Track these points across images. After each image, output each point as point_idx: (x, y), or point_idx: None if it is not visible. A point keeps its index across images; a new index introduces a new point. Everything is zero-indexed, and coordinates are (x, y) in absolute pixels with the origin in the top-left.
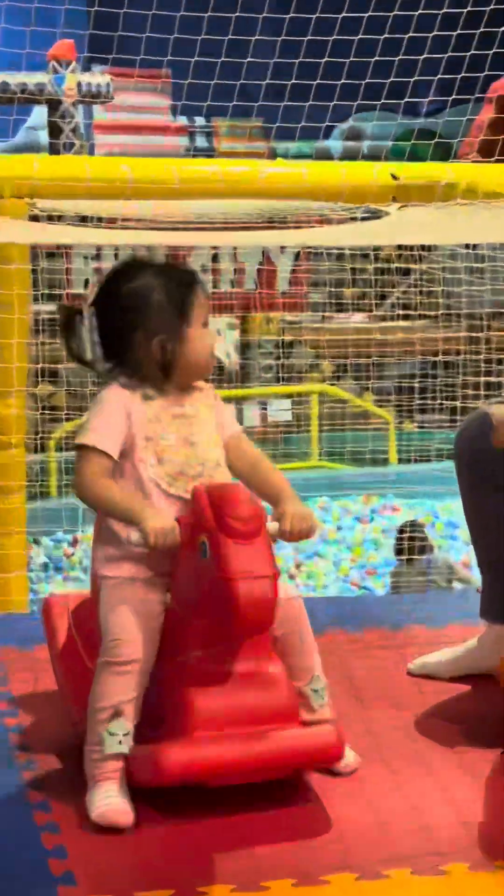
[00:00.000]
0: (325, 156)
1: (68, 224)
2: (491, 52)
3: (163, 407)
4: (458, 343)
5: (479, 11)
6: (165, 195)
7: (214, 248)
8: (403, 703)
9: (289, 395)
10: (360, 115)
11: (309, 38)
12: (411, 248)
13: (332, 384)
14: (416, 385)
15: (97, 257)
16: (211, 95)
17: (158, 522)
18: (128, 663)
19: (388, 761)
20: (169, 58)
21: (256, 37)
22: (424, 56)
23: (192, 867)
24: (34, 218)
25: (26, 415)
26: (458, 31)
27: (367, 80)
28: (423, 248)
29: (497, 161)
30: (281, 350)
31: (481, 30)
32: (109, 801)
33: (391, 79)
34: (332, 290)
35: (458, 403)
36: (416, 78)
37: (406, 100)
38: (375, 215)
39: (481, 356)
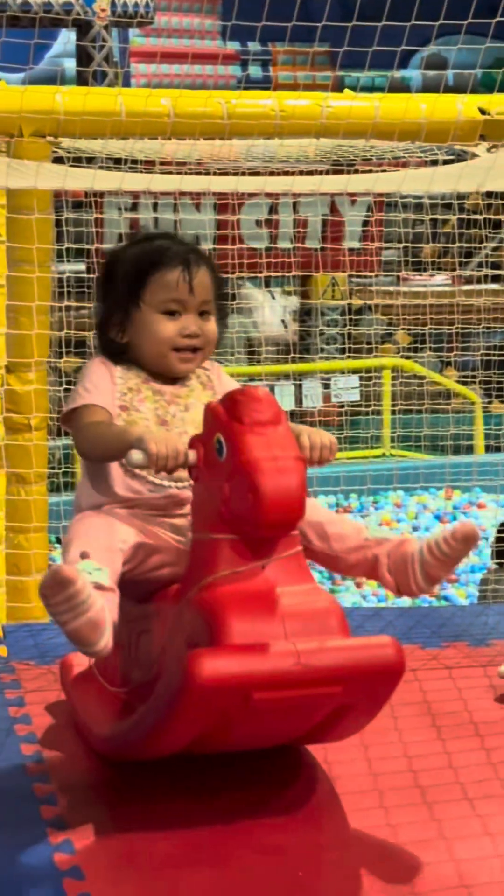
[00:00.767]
0: (402, 88)
1: (98, 167)
2: None
3: (144, 380)
4: None
5: None
6: (213, 133)
7: (271, 196)
8: (490, 733)
9: (356, 371)
10: (443, 39)
11: None
12: (503, 196)
13: (408, 358)
14: None
15: (133, 207)
16: (266, 15)
17: (160, 436)
18: (91, 517)
19: (471, 801)
20: None
21: None
22: None
23: None
24: (58, 160)
25: (48, 392)
26: None
27: None
28: None
29: None
30: (348, 318)
31: None
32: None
33: None
34: (409, 246)
35: None
36: None
37: (498, 19)
38: (460, 157)
39: None
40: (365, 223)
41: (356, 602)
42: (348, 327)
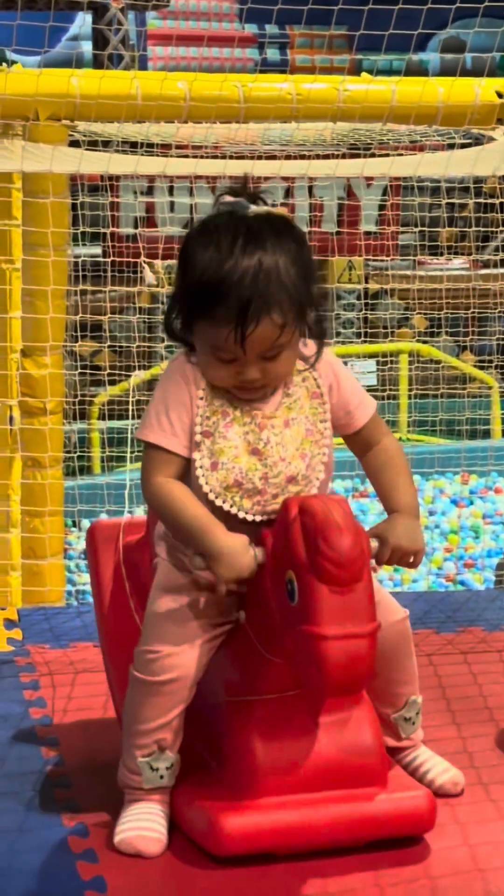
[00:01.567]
0: (419, 71)
1: (114, 151)
2: None
3: (231, 398)
4: None
5: None
6: (229, 117)
7: (287, 180)
8: None
9: (373, 355)
10: (461, 21)
11: None
12: None
13: (425, 342)
14: None
15: (149, 191)
16: None
17: (233, 555)
18: (172, 682)
19: (485, 786)
20: None
21: None
22: None
23: None
24: (74, 143)
25: (64, 376)
26: None
27: None
28: None
29: None
30: (364, 302)
31: None
32: (140, 825)
33: None
34: (426, 230)
35: None
36: None
37: None
38: (478, 141)
39: None
40: (381, 207)
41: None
42: (364, 311)
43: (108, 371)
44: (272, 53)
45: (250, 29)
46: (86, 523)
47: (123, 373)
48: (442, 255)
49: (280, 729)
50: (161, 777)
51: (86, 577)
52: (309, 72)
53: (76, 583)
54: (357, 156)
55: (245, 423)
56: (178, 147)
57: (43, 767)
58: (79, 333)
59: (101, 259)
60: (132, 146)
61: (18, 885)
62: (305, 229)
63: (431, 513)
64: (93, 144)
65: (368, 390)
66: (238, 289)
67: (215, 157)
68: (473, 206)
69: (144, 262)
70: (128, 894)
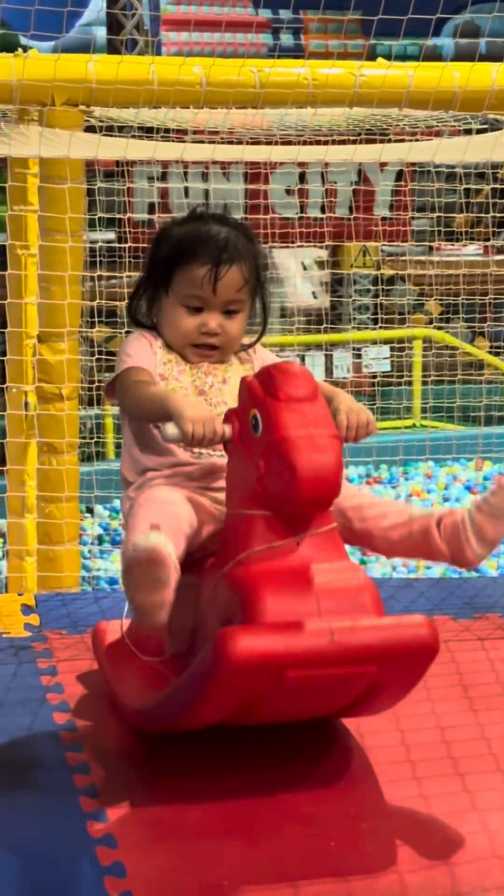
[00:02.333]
0: (434, 56)
1: (130, 136)
2: None
3: (177, 354)
4: None
5: None
6: (245, 102)
7: (301, 165)
8: None
9: (388, 341)
10: (477, 6)
11: None
12: None
13: (440, 328)
14: None
15: (163, 177)
16: None
17: (196, 412)
18: (159, 500)
19: None
20: None
21: None
22: None
23: (269, 890)
24: (90, 129)
25: (79, 362)
26: None
27: None
28: None
29: None
30: (379, 287)
31: None
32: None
33: None
34: (441, 215)
35: None
36: None
37: None
38: (494, 127)
39: None
40: (395, 192)
41: (386, 573)
42: (380, 297)
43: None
44: (287, 39)
45: (265, 14)
46: (100, 509)
47: None
48: (458, 240)
49: (275, 572)
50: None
51: (100, 563)
52: (324, 57)
53: (90, 569)
54: (372, 141)
55: (193, 372)
56: (194, 132)
57: (61, 753)
58: (95, 319)
59: (116, 245)
60: (147, 132)
61: (38, 870)
62: (320, 215)
63: (446, 499)
64: (108, 130)
65: (383, 376)
66: (215, 240)
67: (231, 142)
68: (490, 192)
69: None
70: (147, 879)
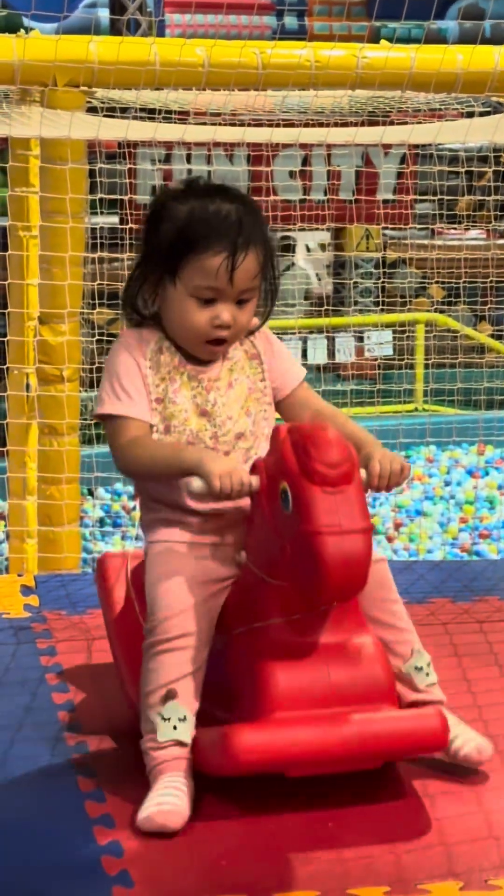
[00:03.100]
0: (438, 39)
1: (132, 118)
2: None
3: (177, 364)
4: None
5: None
6: (247, 84)
7: (304, 148)
8: None
9: (390, 325)
10: None
11: None
12: None
13: (442, 312)
14: None
15: (167, 159)
16: None
17: (222, 464)
18: (177, 638)
19: (501, 753)
20: None
21: None
22: None
23: (267, 869)
24: (92, 110)
25: (81, 344)
26: None
27: None
28: None
29: None
30: (382, 271)
31: None
32: (161, 800)
33: None
34: (444, 199)
35: None
36: None
37: None
38: (497, 109)
39: None
40: (398, 175)
41: (387, 556)
42: (382, 280)
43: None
44: (290, 21)
45: None
46: (101, 492)
47: None
48: (461, 223)
49: (289, 650)
50: (174, 728)
51: (101, 546)
52: (327, 39)
53: (91, 551)
54: (376, 124)
55: (193, 388)
56: (196, 114)
57: (59, 733)
58: (96, 301)
59: (118, 226)
60: (149, 113)
61: (35, 849)
62: (323, 197)
63: (447, 483)
64: (110, 111)
65: (385, 360)
66: (228, 223)
67: (233, 124)
68: (492, 176)
69: None
70: (144, 859)
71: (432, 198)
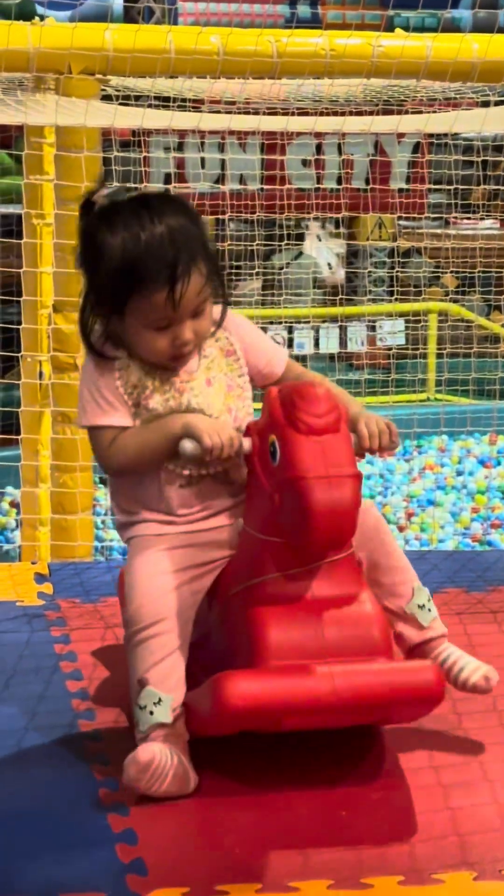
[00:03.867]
0: (452, 28)
1: (146, 106)
2: None
3: (147, 372)
4: None
5: None
6: (262, 72)
7: (318, 136)
8: None
9: (403, 314)
10: None
11: None
12: None
13: (455, 301)
14: None
15: (180, 147)
16: None
17: (210, 423)
18: (150, 626)
19: None
20: None
21: None
22: None
23: (281, 858)
24: (106, 98)
25: None
26: None
27: None
28: None
29: None
30: (395, 260)
31: None
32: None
33: None
34: (459, 188)
35: None
36: None
37: None
38: None
39: None
40: (412, 164)
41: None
42: (396, 269)
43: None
44: (304, 10)
45: None
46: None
47: None
48: (476, 212)
49: (283, 605)
50: (151, 713)
51: (112, 534)
52: (341, 28)
53: (103, 539)
54: (389, 113)
55: (165, 392)
56: (210, 102)
57: (74, 721)
58: None
59: None
60: (164, 101)
61: (50, 837)
62: (336, 186)
63: (459, 473)
64: (125, 99)
65: (398, 350)
66: (162, 255)
67: (248, 112)
68: None
69: None
70: (158, 847)
71: (447, 187)
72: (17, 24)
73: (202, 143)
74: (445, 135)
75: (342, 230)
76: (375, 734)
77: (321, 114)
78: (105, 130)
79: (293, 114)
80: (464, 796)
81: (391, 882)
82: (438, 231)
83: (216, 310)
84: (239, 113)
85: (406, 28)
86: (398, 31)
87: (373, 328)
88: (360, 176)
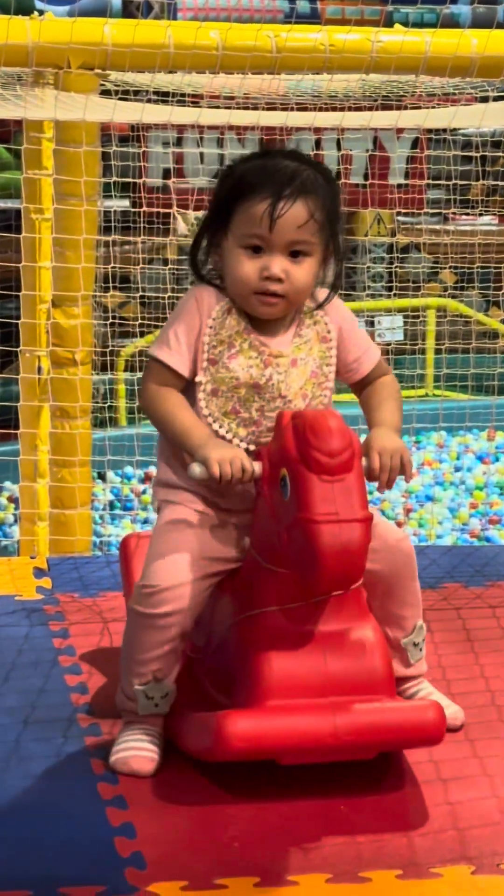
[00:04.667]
0: (451, 24)
1: (145, 101)
2: None
3: (242, 330)
4: None
5: None
6: (262, 67)
7: (317, 132)
8: None
9: (401, 310)
10: None
11: None
12: None
13: (454, 297)
14: None
15: (178, 142)
16: None
17: (222, 451)
18: (170, 615)
19: None
20: None
21: None
22: None
23: (280, 852)
24: (106, 93)
25: (93, 327)
26: None
27: None
28: None
29: None
30: (394, 256)
31: None
32: (133, 746)
33: None
34: (457, 184)
35: None
36: None
37: None
38: None
39: None
40: (411, 160)
41: None
42: (394, 265)
43: (137, 324)
44: (303, 6)
45: None
46: (112, 475)
47: (151, 324)
48: (475, 208)
49: (287, 638)
50: (156, 705)
51: (111, 529)
52: (340, 23)
53: (101, 534)
54: (388, 108)
55: (250, 357)
56: (209, 97)
57: (73, 715)
58: (109, 284)
59: (130, 210)
60: (163, 96)
61: (49, 831)
62: None
63: (457, 469)
64: (124, 94)
65: (396, 345)
66: (278, 174)
67: (247, 107)
68: None
69: (178, 211)
70: (157, 840)
71: (445, 182)
72: (16, 19)
73: (201, 139)
74: (444, 130)
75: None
76: None
77: (320, 109)
78: (104, 125)
79: (292, 109)
80: (462, 790)
81: (389, 876)
82: (437, 227)
83: (320, 293)
84: (238, 108)
85: (405, 24)
86: (397, 26)
87: (371, 324)
88: (358, 171)
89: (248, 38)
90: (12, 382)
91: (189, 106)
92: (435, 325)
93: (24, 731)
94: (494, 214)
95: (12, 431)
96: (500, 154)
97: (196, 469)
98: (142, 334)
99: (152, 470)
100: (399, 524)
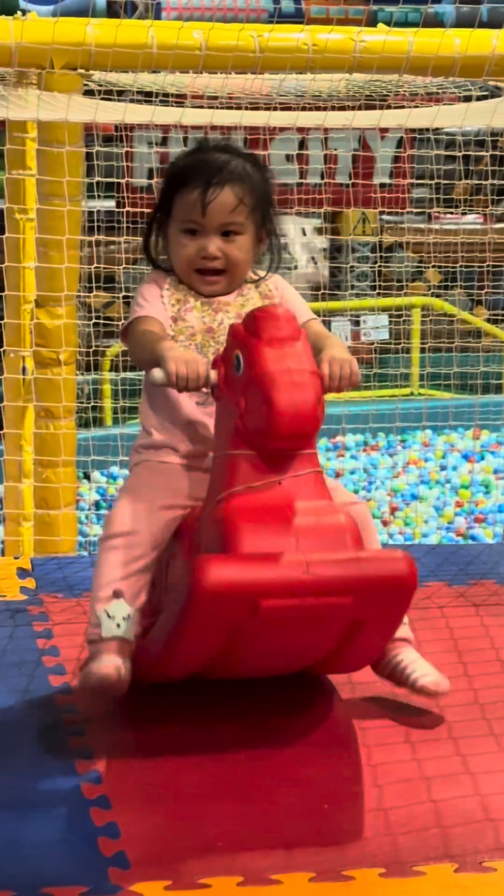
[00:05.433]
0: (435, 23)
1: (129, 101)
2: None
3: (193, 294)
4: None
5: None
6: (244, 67)
7: (302, 131)
8: None
9: (386, 309)
10: None
11: None
12: None
13: (438, 296)
14: None
15: (163, 142)
16: None
17: (182, 354)
18: (127, 535)
19: (497, 736)
20: None
21: None
22: None
23: (263, 851)
24: (89, 93)
25: (77, 327)
26: None
27: None
28: None
29: None
30: (378, 255)
31: None
32: (101, 664)
33: None
34: (441, 183)
35: None
36: None
37: None
38: (494, 94)
39: None
40: (395, 159)
41: (383, 541)
42: (379, 264)
43: (120, 323)
44: (287, 5)
45: None
46: (97, 475)
47: None
48: (457, 208)
49: (254, 509)
50: (118, 626)
51: (96, 529)
52: (324, 23)
53: (87, 534)
54: (373, 108)
55: (202, 309)
56: (193, 97)
57: (57, 715)
58: (93, 285)
59: (114, 210)
60: (146, 96)
61: (32, 830)
62: (320, 181)
63: (443, 467)
64: (107, 94)
65: (381, 344)
66: (208, 165)
67: (230, 107)
68: (489, 160)
69: None
70: (140, 840)
71: (429, 182)
72: None
73: (185, 139)
74: (428, 130)
75: (325, 225)
76: (359, 729)
77: (304, 108)
78: (88, 125)
79: (276, 109)
80: (445, 789)
81: (372, 874)
82: (421, 226)
83: (264, 274)
84: (221, 108)
85: (389, 23)
86: (380, 25)
87: (356, 323)
88: (343, 171)
89: (231, 38)
90: None
91: (173, 106)
92: (420, 323)
93: (8, 731)
94: (478, 213)
95: None
96: (484, 153)
97: (156, 373)
98: None
99: None
100: (385, 523)
